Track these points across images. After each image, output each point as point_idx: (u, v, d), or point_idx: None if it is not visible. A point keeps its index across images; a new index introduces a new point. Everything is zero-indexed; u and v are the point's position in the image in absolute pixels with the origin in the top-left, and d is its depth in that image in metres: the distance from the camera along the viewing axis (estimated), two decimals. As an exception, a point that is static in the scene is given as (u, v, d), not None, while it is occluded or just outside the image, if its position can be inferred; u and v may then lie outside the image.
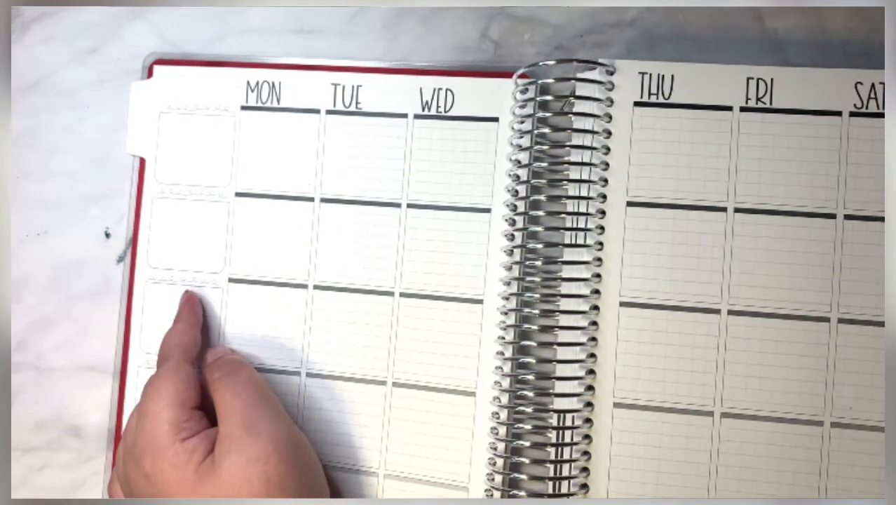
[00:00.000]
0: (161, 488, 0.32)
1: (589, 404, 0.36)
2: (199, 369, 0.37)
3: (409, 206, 0.38)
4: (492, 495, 0.36)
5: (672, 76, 0.36)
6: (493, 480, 0.36)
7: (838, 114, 0.35)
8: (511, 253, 0.37)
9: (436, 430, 0.37)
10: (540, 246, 0.36)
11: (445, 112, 0.38)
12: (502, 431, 0.36)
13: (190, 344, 0.37)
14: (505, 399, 0.36)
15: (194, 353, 0.37)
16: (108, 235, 0.42)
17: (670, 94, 0.36)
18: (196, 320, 0.39)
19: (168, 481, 0.32)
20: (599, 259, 0.36)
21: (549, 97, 0.37)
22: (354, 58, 0.40)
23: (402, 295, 0.38)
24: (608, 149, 0.36)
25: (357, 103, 0.39)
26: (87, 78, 0.43)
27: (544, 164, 0.36)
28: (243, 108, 0.40)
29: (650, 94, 0.36)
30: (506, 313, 0.37)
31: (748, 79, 0.36)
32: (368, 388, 0.38)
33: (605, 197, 0.36)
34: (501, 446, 0.36)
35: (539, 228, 0.37)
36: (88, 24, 0.43)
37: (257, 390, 0.35)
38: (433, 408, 0.37)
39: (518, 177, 0.37)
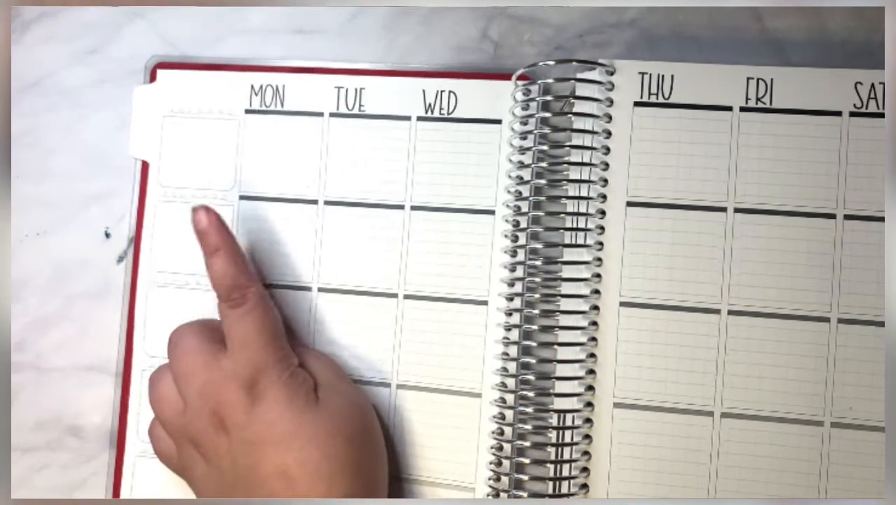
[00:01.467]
0: (269, 413, 0.32)
1: (589, 404, 0.36)
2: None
3: (412, 208, 0.38)
4: (497, 495, 0.36)
5: (672, 76, 0.36)
6: (497, 480, 0.36)
7: (838, 114, 0.35)
8: (512, 254, 0.37)
9: (441, 431, 0.37)
10: (540, 246, 0.36)
11: (449, 114, 0.38)
12: (503, 431, 0.36)
13: (251, 269, 0.36)
14: (506, 399, 0.36)
15: (256, 275, 0.36)
16: (108, 235, 0.42)
17: (670, 94, 0.36)
18: (234, 242, 0.35)
19: (278, 404, 0.32)
20: (599, 259, 0.36)
21: (548, 97, 0.37)
22: (355, 58, 0.40)
23: (406, 297, 0.38)
24: (608, 149, 0.36)
25: (360, 106, 0.39)
26: (87, 78, 0.43)
27: (544, 165, 0.36)
28: (247, 111, 0.40)
29: (650, 94, 0.36)
30: (507, 314, 0.37)
31: (748, 79, 0.36)
32: (373, 390, 0.38)
33: (604, 197, 0.36)
34: (503, 447, 0.36)
35: (539, 229, 0.37)
36: (88, 24, 0.43)
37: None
38: (438, 409, 0.37)
39: (518, 177, 0.37)
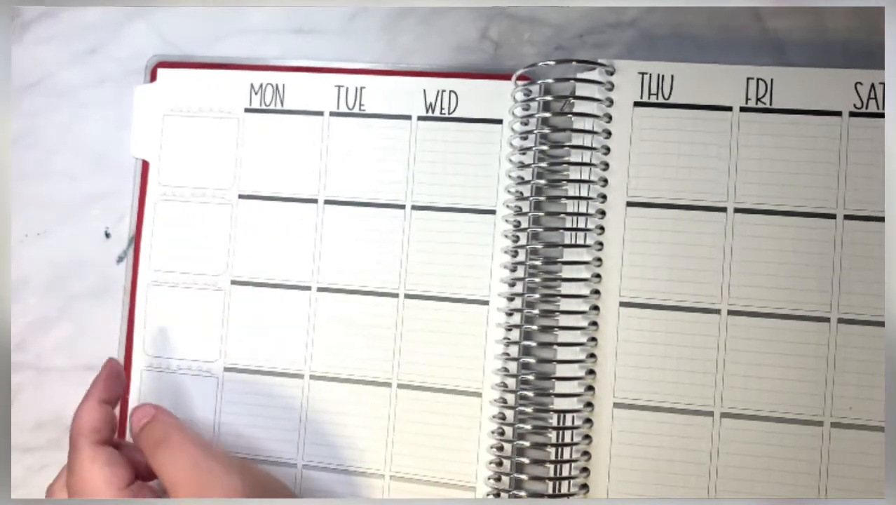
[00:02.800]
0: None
1: (589, 404, 0.36)
2: (123, 443, 0.36)
3: (413, 207, 0.38)
4: (498, 495, 0.36)
5: (672, 76, 0.36)
6: (497, 480, 0.36)
7: (838, 114, 0.35)
8: (513, 254, 0.37)
9: (442, 431, 0.37)
10: (540, 246, 0.36)
11: (449, 114, 0.38)
12: (503, 431, 0.36)
13: (100, 424, 0.34)
14: (507, 399, 0.36)
15: (106, 432, 0.35)
16: (108, 235, 0.42)
17: (670, 94, 0.36)
18: (109, 395, 0.35)
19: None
20: (599, 259, 0.36)
21: (548, 97, 0.37)
22: (355, 57, 0.40)
23: (406, 297, 0.38)
24: (608, 149, 0.36)
25: (361, 105, 0.39)
26: (87, 78, 0.43)
27: (544, 165, 0.36)
28: (247, 110, 0.40)
29: (650, 94, 0.36)
30: (508, 314, 0.37)
31: (748, 79, 0.36)
32: (373, 390, 0.38)
33: (604, 197, 0.36)
34: (503, 446, 0.36)
35: (539, 229, 0.37)
36: (88, 24, 0.43)
37: (196, 452, 0.33)
38: (439, 409, 0.37)
39: (518, 177, 0.37)
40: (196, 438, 0.34)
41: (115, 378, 0.36)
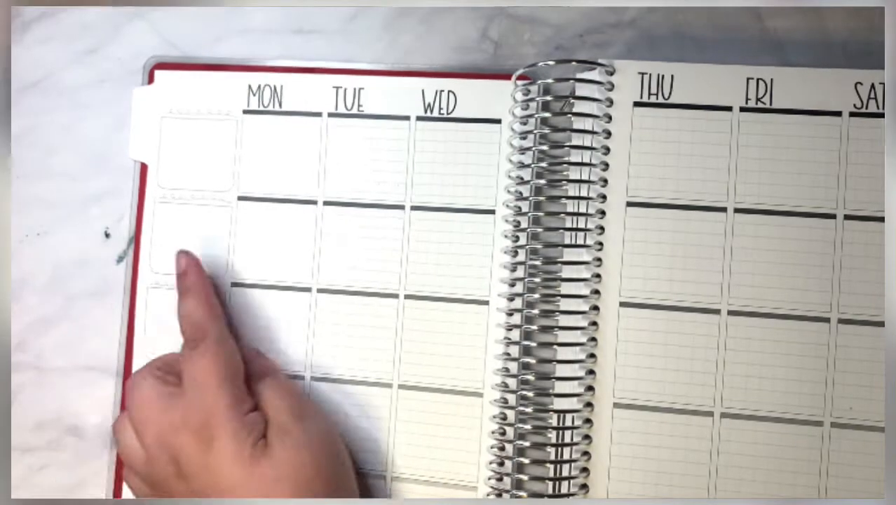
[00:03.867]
0: (218, 461, 0.32)
1: (589, 404, 0.36)
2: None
3: (412, 208, 0.38)
4: (500, 495, 0.36)
5: (672, 76, 0.36)
6: (498, 480, 0.36)
7: (838, 114, 0.35)
8: (513, 254, 0.37)
9: (443, 431, 0.37)
10: (540, 246, 0.36)
11: (448, 114, 0.38)
12: (504, 431, 0.36)
13: (218, 313, 0.36)
14: (507, 399, 0.36)
15: (225, 321, 0.37)
16: (107, 235, 0.42)
17: (670, 94, 0.36)
18: (208, 286, 0.37)
19: (226, 453, 0.32)
20: (599, 259, 0.36)
21: (548, 97, 0.37)
22: (355, 58, 0.40)
23: (406, 297, 0.38)
24: (608, 149, 0.36)
25: (359, 106, 0.39)
26: (87, 78, 0.43)
27: (544, 165, 0.36)
28: (245, 111, 0.40)
29: (650, 94, 0.36)
30: (508, 314, 0.37)
31: (748, 79, 0.36)
32: (374, 390, 0.38)
33: (604, 197, 0.36)
34: (504, 447, 0.36)
35: (539, 229, 0.37)
36: (88, 24, 0.43)
37: (297, 384, 0.38)
38: (440, 409, 0.37)
39: (518, 177, 0.37)
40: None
41: (201, 268, 0.38)
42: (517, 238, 0.37)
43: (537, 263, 0.37)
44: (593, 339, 0.36)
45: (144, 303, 0.40)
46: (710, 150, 0.36)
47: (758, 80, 0.36)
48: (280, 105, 0.40)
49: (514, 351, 0.36)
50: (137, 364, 0.40)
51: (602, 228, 0.36)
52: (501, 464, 0.36)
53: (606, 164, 0.36)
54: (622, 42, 0.39)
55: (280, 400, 0.35)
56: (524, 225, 0.37)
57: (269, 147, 0.40)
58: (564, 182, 0.36)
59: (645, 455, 0.35)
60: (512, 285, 0.37)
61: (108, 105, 0.42)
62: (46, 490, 0.41)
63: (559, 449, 0.35)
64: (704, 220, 0.36)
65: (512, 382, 0.36)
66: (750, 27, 0.38)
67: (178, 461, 0.33)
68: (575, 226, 0.36)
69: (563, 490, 0.35)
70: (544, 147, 0.37)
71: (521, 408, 0.36)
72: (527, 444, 0.35)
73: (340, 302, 0.39)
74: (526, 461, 0.36)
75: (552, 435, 0.35)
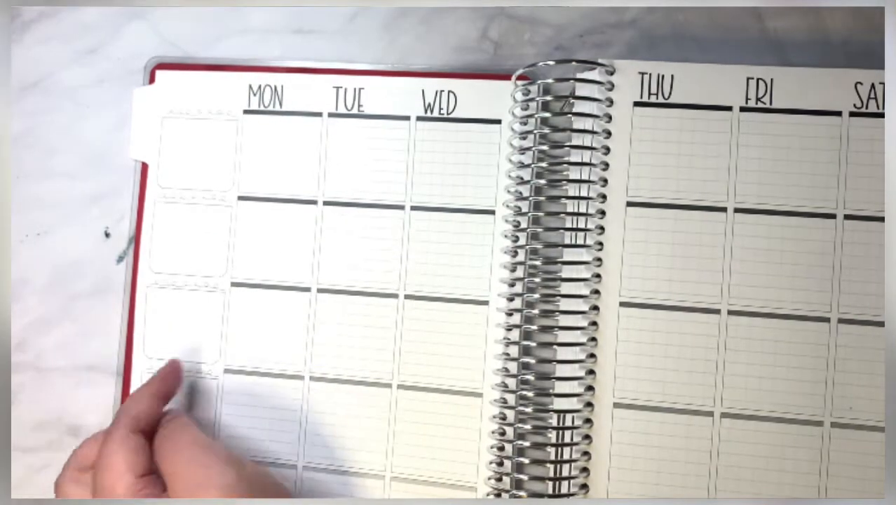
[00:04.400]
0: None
1: (589, 404, 0.36)
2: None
3: (412, 208, 0.38)
4: (499, 495, 0.36)
5: (672, 76, 0.36)
6: (498, 480, 0.36)
7: (838, 114, 0.35)
8: (513, 254, 0.37)
9: (442, 431, 0.37)
10: (540, 246, 0.36)
11: (448, 114, 0.38)
12: (504, 431, 0.36)
13: (143, 413, 0.35)
14: (507, 399, 0.36)
15: (146, 422, 0.35)
16: (107, 235, 0.42)
17: (670, 94, 0.36)
18: (161, 392, 0.37)
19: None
20: (599, 259, 0.36)
21: (548, 97, 0.37)
22: (355, 58, 0.40)
23: (406, 297, 0.38)
24: (608, 149, 0.36)
25: (359, 106, 0.39)
26: (87, 78, 0.43)
27: (544, 165, 0.36)
28: (246, 111, 0.40)
29: (650, 94, 0.36)
30: (508, 314, 0.37)
31: (748, 79, 0.36)
32: (374, 390, 0.38)
33: (604, 197, 0.36)
34: (504, 447, 0.36)
35: (539, 229, 0.37)
36: (88, 24, 0.43)
37: (195, 447, 0.34)
38: (439, 410, 0.37)
39: (518, 177, 0.37)
40: (196, 433, 0.35)
41: (174, 376, 0.38)
42: (517, 238, 0.37)
43: (537, 263, 0.37)
44: (593, 339, 0.36)
45: (144, 303, 0.40)
46: (710, 150, 0.36)
47: (758, 80, 0.36)
48: (280, 105, 0.40)
49: (514, 351, 0.36)
50: (137, 364, 0.40)
51: (602, 228, 0.36)
52: (501, 464, 0.36)
53: (606, 164, 0.36)
54: (622, 42, 0.39)
55: (176, 473, 0.33)
56: (524, 225, 0.37)
57: (269, 147, 0.40)
58: (564, 182, 0.36)
59: (645, 455, 0.35)
60: (512, 285, 0.37)
61: (108, 105, 0.42)
62: (46, 490, 0.41)
63: (559, 449, 0.35)
64: (704, 220, 0.36)
65: (512, 382, 0.36)
66: (750, 27, 0.38)
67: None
68: (575, 226, 0.36)
69: (563, 490, 0.35)
70: (544, 147, 0.37)
71: (521, 408, 0.36)
72: (526, 444, 0.35)
73: (340, 302, 0.39)
74: (526, 461, 0.36)
75: (552, 435, 0.35)
